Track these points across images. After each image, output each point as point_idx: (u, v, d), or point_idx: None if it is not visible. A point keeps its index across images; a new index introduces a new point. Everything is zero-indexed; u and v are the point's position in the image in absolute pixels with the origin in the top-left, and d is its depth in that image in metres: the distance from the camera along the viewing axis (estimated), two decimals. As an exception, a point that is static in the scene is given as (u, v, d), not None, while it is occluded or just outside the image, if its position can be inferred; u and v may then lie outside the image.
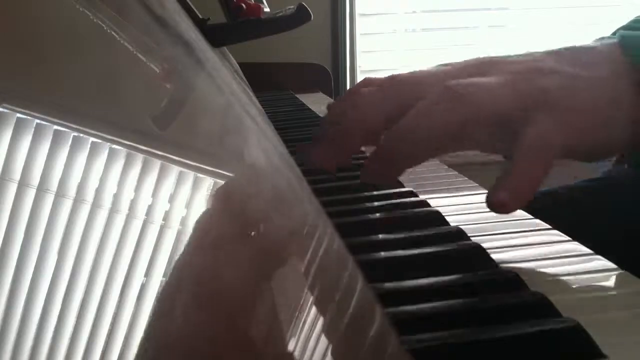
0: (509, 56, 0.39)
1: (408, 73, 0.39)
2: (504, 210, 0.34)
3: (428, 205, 0.45)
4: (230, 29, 0.74)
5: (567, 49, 0.39)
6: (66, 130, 0.20)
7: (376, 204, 0.47)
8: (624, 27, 0.85)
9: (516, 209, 0.34)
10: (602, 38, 0.82)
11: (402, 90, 0.37)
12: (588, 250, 0.38)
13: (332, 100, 0.95)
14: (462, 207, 0.48)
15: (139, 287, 0.19)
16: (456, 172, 0.61)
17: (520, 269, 0.36)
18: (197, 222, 0.25)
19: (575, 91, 0.36)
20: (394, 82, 0.38)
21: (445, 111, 0.34)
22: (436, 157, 0.37)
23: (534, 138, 0.34)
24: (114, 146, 0.22)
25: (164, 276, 0.21)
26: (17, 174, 0.18)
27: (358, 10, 1.94)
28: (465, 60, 0.40)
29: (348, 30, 1.91)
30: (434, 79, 0.37)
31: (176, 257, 0.22)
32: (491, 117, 0.35)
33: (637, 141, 0.37)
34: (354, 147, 0.39)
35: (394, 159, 0.36)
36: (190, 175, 0.26)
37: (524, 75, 0.36)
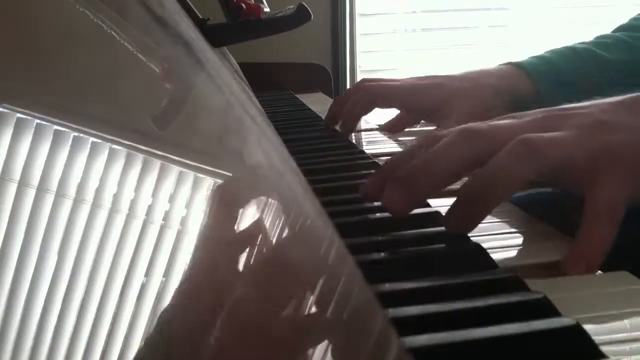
0: (575, 106, 0.42)
1: (482, 123, 0.41)
2: (583, 272, 0.36)
3: (428, 205, 0.45)
4: (230, 29, 0.74)
5: (632, 99, 0.41)
6: (66, 130, 0.20)
7: (376, 204, 0.47)
8: (623, 27, 0.85)
9: (593, 271, 0.36)
10: (605, 37, 0.83)
11: (478, 144, 0.39)
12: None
13: (330, 100, 0.93)
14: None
15: (139, 287, 0.19)
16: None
17: (520, 269, 0.36)
18: (197, 222, 0.25)
19: None
20: (470, 134, 0.39)
21: (523, 163, 0.37)
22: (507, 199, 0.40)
23: (603, 202, 0.37)
24: (114, 146, 0.22)
25: (164, 276, 0.21)
26: (17, 174, 0.18)
27: (358, 10, 1.93)
28: (531, 112, 0.42)
29: (348, 30, 1.91)
30: (509, 132, 0.39)
31: (176, 257, 0.22)
32: (560, 166, 0.38)
33: None
34: (427, 192, 0.40)
35: (478, 202, 0.37)
36: (190, 175, 0.26)
37: (591, 130, 0.39)
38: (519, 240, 0.41)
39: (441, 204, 0.44)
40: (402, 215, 0.39)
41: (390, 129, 0.84)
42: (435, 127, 0.76)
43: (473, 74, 0.78)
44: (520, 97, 0.75)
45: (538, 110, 0.43)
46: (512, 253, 0.39)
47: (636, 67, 0.79)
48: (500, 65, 0.79)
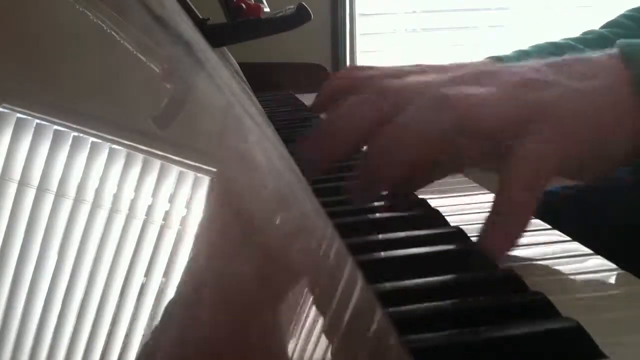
0: (506, 65, 0.38)
1: (394, 81, 0.37)
2: (500, 254, 0.32)
3: (428, 205, 0.45)
4: (230, 29, 0.74)
5: (564, 60, 0.38)
6: (66, 130, 0.20)
7: (376, 204, 0.47)
8: (609, 24, 0.86)
9: (509, 249, 0.33)
10: (589, 33, 0.84)
11: (387, 100, 0.35)
12: (588, 250, 0.38)
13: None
14: (462, 207, 0.48)
15: (139, 287, 0.19)
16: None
17: (520, 268, 0.36)
18: (197, 223, 0.25)
19: (573, 103, 0.34)
20: (377, 92, 0.36)
21: (436, 118, 0.32)
22: (423, 178, 0.36)
23: (528, 151, 0.32)
24: (114, 146, 0.22)
25: (164, 276, 0.21)
26: (17, 174, 0.18)
27: (358, 10, 1.93)
28: (461, 66, 0.39)
29: (348, 30, 1.91)
30: (423, 89, 0.35)
31: (176, 257, 0.22)
32: (485, 128, 0.33)
33: (637, 153, 0.36)
34: (339, 148, 0.37)
35: (378, 169, 0.33)
36: (190, 175, 0.26)
37: (521, 87, 0.35)
38: (519, 240, 0.41)
39: (441, 204, 0.44)
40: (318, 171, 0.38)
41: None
42: None
43: (456, 66, 0.76)
44: None
45: (471, 66, 0.39)
46: (513, 253, 0.39)
47: None
48: (483, 59, 0.77)
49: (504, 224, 0.33)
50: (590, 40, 0.82)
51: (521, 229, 0.33)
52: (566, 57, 0.38)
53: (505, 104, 0.33)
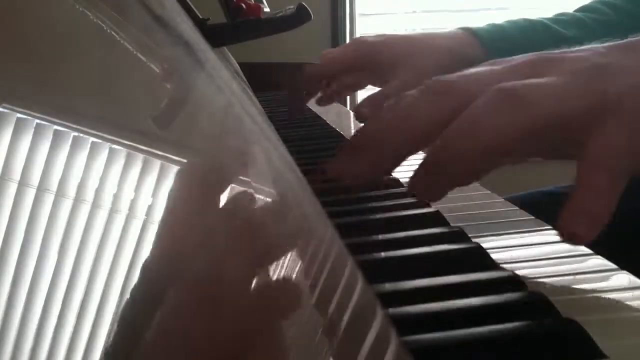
0: (567, 51, 0.35)
1: (452, 75, 0.34)
2: (581, 242, 0.31)
3: (428, 205, 0.45)
4: (230, 29, 0.74)
5: (627, 43, 0.35)
6: (66, 130, 0.20)
7: (376, 204, 0.47)
8: (583, 8, 0.86)
9: (594, 236, 0.31)
10: (562, 15, 0.85)
11: (446, 99, 0.32)
12: (588, 250, 0.38)
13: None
14: (462, 207, 0.48)
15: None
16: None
17: (519, 269, 0.36)
18: (196, 222, 0.25)
19: None
20: (437, 89, 0.33)
21: (502, 117, 0.30)
22: (488, 171, 0.32)
23: (602, 151, 0.31)
24: (114, 146, 0.22)
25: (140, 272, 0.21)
26: (17, 174, 0.18)
27: (358, 10, 1.94)
28: (516, 58, 0.35)
29: (348, 30, 1.91)
30: (485, 82, 0.32)
31: (175, 255, 0.22)
32: (553, 123, 0.31)
33: None
34: (392, 158, 0.33)
35: (445, 168, 0.31)
36: (190, 175, 0.26)
37: (587, 75, 0.32)
38: (519, 240, 0.41)
39: (441, 204, 0.44)
40: (352, 184, 0.33)
41: (324, 100, 0.81)
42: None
43: (426, 34, 0.75)
44: (469, 61, 0.74)
45: (522, 55, 0.36)
46: (512, 253, 0.39)
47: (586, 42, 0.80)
48: (456, 29, 0.76)
49: (590, 210, 0.31)
50: (566, 22, 0.82)
51: (607, 213, 0.31)
52: (629, 39, 0.35)
53: (575, 94, 0.31)
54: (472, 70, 0.34)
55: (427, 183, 0.31)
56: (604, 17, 0.84)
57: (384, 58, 0.70)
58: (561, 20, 0.82)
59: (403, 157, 0.33)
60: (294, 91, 0.77)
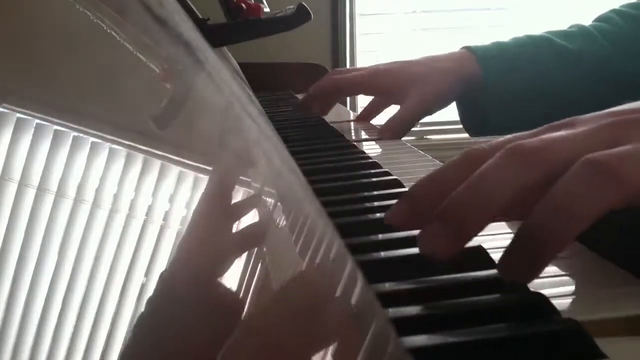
0: (637, 108, 0.34)
1: (534, 139, 0.32)
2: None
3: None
4: (230, 29, 0.74)
5: None
6: (66, 130, 0.20)
7: (376, 204, 0.47)
8: (599, 18, 0.87)
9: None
10: (573, 27, 0.87)
11: (534, 166, 0.31)
12: (587, 250, 0.38)
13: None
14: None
15: (139, 287, 0.19)
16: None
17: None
18: (196, 222, 0.25)
19: None
20: (520, 151, 0.32)
21: (598, 188, 0.29)
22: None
23: None
24: (114, 146, 0.22)
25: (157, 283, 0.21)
26: (17, 174, 0.18)
27: (358, 10, 1.94)
28: (593, 117, 0.34)
29: (348, 30, 1.91)
30: (570, 148, 0.31)
31: (176, 257, 0.22)
32: None
33: None
34: (480, 230, 0.31)
35: (547, 244, 0.30)
36: (190, 175, 0.26)
37: None
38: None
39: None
40: (447, 259, 0.32)
41: (364, 117, 0.90)
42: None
43: (431, 58, 0.83)
44: (471, 79, 0.80)
45: (597, 114, 0.35)
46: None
47: (591, 58, 0.82)
48: (460, 48, 0.84)
49: None
50: (572, 33, 0.84)
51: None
52: None
53: None
54: (552, 134, 0.33)
55: (527, 259, 0.30)
56: (614, 27, 0.84)
57: (394, 83, 0.80)
58: (568, 33, 0.84)
59: (484, 226, 0.32)
60: (316, 92, 0.85)
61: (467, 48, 0.82)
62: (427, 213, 0.33)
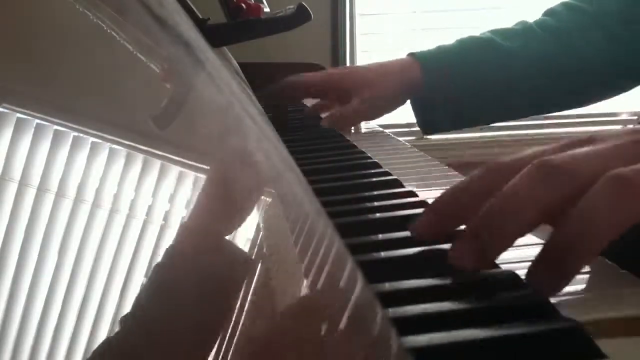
0: None
1: (561, 154, 0.34)
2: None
3: (428, 205, 0.45)
4: (230, 29, 0.74)
5: None
6: (66, 130, 0.20)
7: (376, 204, 0.47)
8: (547, 12, 0.90)
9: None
10: (519, 24, 0.91)
11: (562, 182, 0.32)
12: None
13: None
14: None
15: (138, 287, 0.19)
16: (456, 173, 0.61)
17: (520, 268, 0.36)
18: (197, 222, 0.25)
19: None
20: (549, 166, 0.33)
21: (624, 202, 0.31)
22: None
23: None
24: (114, 146, 0.22)
25: (149, 274, 0.21)
26: (17, 174, 0.18)
27: (358, 10, 1.94)
28: (618, 133, 0.35)
29: (348, 30, 1.91)
30: (596, 164, 0.33)
31: (175, 257, 0.22)
32: None
33: None
34: (511, 244, 0.33)
35: (571, 261, 0.31)
36: (190, 175, 0.26)
37: None
38: (519, 240, 0.41)
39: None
40: (476, 271, 0.33)
41: (310, 113, 0.95)
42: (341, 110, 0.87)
43: (379, 64, 0.89)
44: (413, 83, 0.86)
45: (620, 131, 0.36)
46: (512, 253, 0.39)
47: (530, 54, 0.87)
48: (407, 55, 0.90)
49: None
50: (513, 32, 0.89)
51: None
52: None
53: None
54: (579, 150, 0.34)
55: (554, 272, 0.31)
56: (558, 22, 0.89)
57: (342, 85, 0.86)
58: (510, 31, 0.89)
59: (515, 240, 0.33)
60: (276, 93, 0.92)
61: (412, 54, 0.88)
62: (452, 226, 0.35)
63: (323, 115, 0.92)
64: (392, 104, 0.88)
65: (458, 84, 0.87)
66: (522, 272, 0.33)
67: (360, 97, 0.84)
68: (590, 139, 0.35)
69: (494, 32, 0.89)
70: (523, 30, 0.89)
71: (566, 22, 0.88)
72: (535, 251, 0.39)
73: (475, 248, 0.32)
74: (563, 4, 0.91)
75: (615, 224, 0.30)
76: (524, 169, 0.33)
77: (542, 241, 0.41)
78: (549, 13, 0.91)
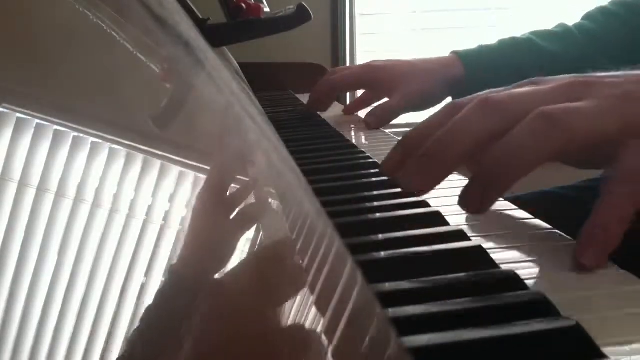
0: (604, 76, 0.39)
1: (500, 93, 0.39)
2: (597, 263, 0.35)
3: (428, 205, 0.45)
4: (230, 29, 0.74)
5: None
6: (66, 130, 0.20)
7: (376, 204, 0.47)
8: (585, 16, 0.90)
9: (602, 264, 0.35)
10: (559, 27, 0.91)
11: (497, 114, 0.37)
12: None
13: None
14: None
15: (139, 287, 0.19)
16: (456, 172, 0.61)
17: (520, 268, 0.36)
18: (196, 222, 0.25)
19: None
20: (489, 104, 0.38)
21: (544, 138, 0.35)
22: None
23: (630, 171, 0.36)
24: (114, 146, 0.22)
25: (163, 276, 0.21)
26: (17, 174, 0.18)
27: (358, 10, 1.93)
28: (557, 78, 0.40)
29: (348, 30, 1.91)
30: (529, 102, 0.37)
31: (176, 257, 0.22)
32: (588, 142, 0.36)
33: None
34: (449, 169, 0.38)
35: (493, 183, 0.36)
36: (190, 175, 0.26)
37: (620, 101, 0.37)
38: (519, 240, 0.42)
39: (441, 204, 0.44)
40: (423, 194, 0.39)
41: (351, 110, 0.96)
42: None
43: (421, 60, 0.91)
44: (455, 80, 0.87)
45: (562, 76, 0.41)
46: (512, 253, 0.39)
47: (568, 57, 0.87)
48: (448, 55, 0.91)
49: (604, 236, 0.36)
50: (553, 34, 0.90)
51: (618, 241, 0.36)
52: None
53: (608, 119, 0.36)
54: (518, 90, 0.39)
55: (477, 196, 0.36)
56: (595, 25, 0.89)
57: (384, 78, 0.87)
58: (551, 33, 0.90)
59: (455, 166, 0.38)
60: (316, 95, 0.92)
61: (455, 52, 0.90)
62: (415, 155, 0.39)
63: (361, 111, 0.92)
64: (433, 100, 0.89)
65: (500, 83, 0.85)
66: (522, 272, 0.33)
67: (402, 92, 0.85)
68: (536, 81, 0.41)
69: (533, 33, 0.90)
70: (563, 33, 0.89)
71: (602, 26, 0.89)
72: (534, 251, 0.39)
73: (420, 169, 0.38)
74: (598, 8, 0.92)
75: (532, 153, 0.35)
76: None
77: (540, 241, 0.41)
78: (586, 17, 0.91)
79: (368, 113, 0.87)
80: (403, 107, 0.86)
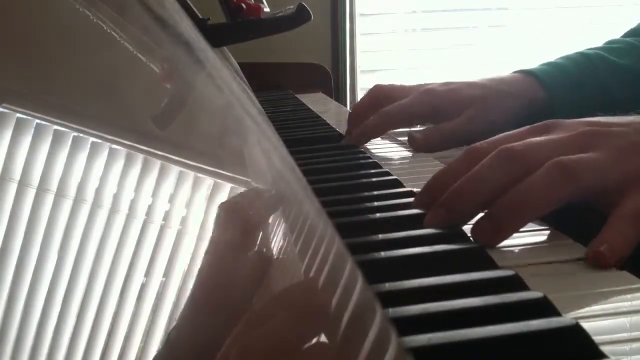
0: (613, 124, 0.43)
1: (519, 143, 0.42)
2: (604, 262, 0.37)
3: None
4: (230, 29, 0.74)
5: None
6: (66, 130, 0.20)
7: (376, 204, 0.47)
8: (633, 32, 0.86)
9: (613, 263, 0.37)
10: (613, 42, 0.86)
11: (518, 162, 0.41)
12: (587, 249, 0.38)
13: (330, 100, 0.95)
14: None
15: (139, 287, 0.19)
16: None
17: (520, 268, 0.36)
18: (197, 222, 0.25)
19: None
20: (511, 154, 0.41)
21: (558, 185, 0.39)
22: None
23: (629, 208, 0.39)
24: (114, 146, 0.22)
25: (164, 276, 0.21)
26: (17, 174, 0.18)
27: (358, 10, 1.93)
28: (572, 125, 0.44)
29: (348, 30, 1.91)
30: (545, 153, 0.41)
31: (176, 257, 0.22)
32: (589, 191, 0.40)
33: None
34: (464, 217, 0.42)
35: (508, 220, 0.40)
36: (190, 175, 0.26)
37: (625, 152, 0.41)
38: (519, 240, 0.42)
39: (441, 204, 0.44)
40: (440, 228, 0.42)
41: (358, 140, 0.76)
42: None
43: (491, 79, 0.76)
44: (534, 105, 0.74)
45: (574, 122, 0.44)
46: (512, 253, 0.39)
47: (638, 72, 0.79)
48: (512, 73, 0.77)
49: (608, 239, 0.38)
50: (621, 50, 0.81)
51: (623, 251, 0.38)
52: None
53: (610, 170, 0.40)
54: (536, 140, 0.43)
55: (490, 230, 0.40)
56: None
57: (449, 110, 0.71)
58: (614, 48, 0.81)
59: (476, 212, 0.42)
60: (368, 130, 0.72)
61: (524, 72, 0.76)
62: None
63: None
64: (506, 127, 0.72)
65: (586, 104, 0.76)
66: (521, 272, 0.33)
67: (465, 114, 0.71)
68: (551, 126, 0.45)
69: (597, 49, 0.81)
70: (627, 47, 0.81)
71: None
72: (534, 252, 0.39)
73: (440, 216, 0.41)
74: None
75: (546, 197, 0.39)
76: (488, 155, 0.42)
77: (543, 240, 0.41)
78: (632, 33, 0.85)
79: (417, 135, 0.71)
80: (462, 131, 0.70)
